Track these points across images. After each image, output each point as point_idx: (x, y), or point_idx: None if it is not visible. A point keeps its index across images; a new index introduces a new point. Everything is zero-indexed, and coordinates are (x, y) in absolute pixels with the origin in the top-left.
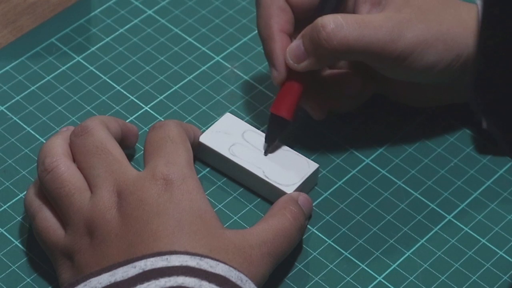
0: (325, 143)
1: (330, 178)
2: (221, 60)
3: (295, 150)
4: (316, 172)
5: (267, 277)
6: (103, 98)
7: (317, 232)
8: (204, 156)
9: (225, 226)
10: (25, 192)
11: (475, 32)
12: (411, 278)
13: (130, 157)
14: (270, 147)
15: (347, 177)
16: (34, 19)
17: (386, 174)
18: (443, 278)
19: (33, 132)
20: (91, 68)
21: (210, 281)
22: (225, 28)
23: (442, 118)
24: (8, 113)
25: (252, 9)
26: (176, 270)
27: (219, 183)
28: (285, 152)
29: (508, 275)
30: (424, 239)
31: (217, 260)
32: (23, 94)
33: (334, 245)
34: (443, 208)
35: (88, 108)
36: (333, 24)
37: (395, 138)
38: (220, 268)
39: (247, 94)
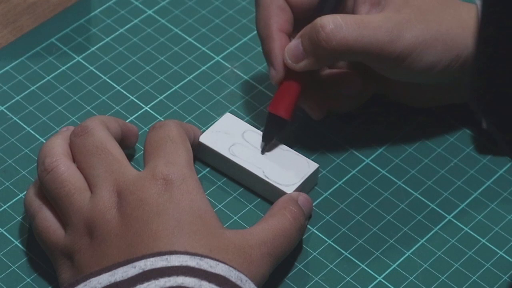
0: (325, 143)
1: (330, 178)
2: (221, 60)
3: (295, 150)
4: (316, 172)
5: (267, 277)
6: (103, 98)
7: (317, 232)
8: (204, 156)
9: (225, 226)
10: (25, 192)
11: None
12: (411, 278)
13: (130, 157)
14: (267, 146)
15: (347, 177)
16: (34, 19)
17: (386, 174)
18: (443, 278)
19: (33, 132)
20: (91, 68)
21: (210, 281)
22: (225, 28)
23: (442, 118)
24: (8, 113)
25: (252, 9)
26: (176, 270)
27: (219, 183)
28: (285, 152)
29: (508, 275)
30: (424, 239)
31: (217, 260)
32: (23, 94)
33: (334, 245)
34: (443, 208)
35: (88, 108)
36: (332, 24)
37: (395, 138)
38: (220, 268)
39: (247, 94)
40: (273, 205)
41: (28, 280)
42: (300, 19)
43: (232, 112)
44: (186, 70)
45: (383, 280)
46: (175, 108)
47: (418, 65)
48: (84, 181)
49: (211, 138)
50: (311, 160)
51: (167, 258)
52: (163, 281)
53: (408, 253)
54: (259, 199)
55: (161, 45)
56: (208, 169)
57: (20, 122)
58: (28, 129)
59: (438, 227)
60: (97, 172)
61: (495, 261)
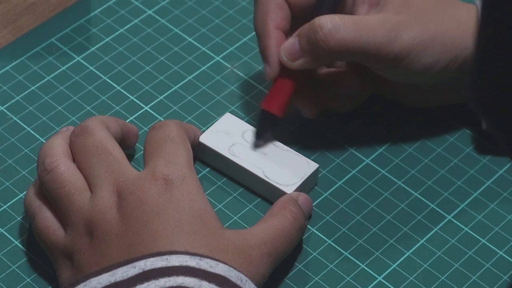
0: (325, 143)
1: (330, 178)
2: (221, 60)
3: (295, 150)
4: (316, 172)
5: (267, 277)
6: (103, 98)
7: (317, 232)
8: (204, 156)
9: (225, 226)
10: (25, 192)
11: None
12: (411, 278)
13: (130, 157)
14: (259, 142)
15: (347, 177)
16: (34, 19)
17: (386, 174)
18: (443, 278)
19: (33, 132)
20: (91, 68)
21: (210, 281)
22: (225, 28)
23: (442, 118)
24: (8, 113)
25: (252, 9)
26: (176, 270)
27: (219, 183)
28: (285, 152)
29: (508, 275)
30: (424, 239)
31: (217, 260)
32: (23, 94)
33: (334, 245)
34: (443, 208)
35: (88, 108)
36: (330, 25)
37: (395, 138)
38: (220, 268)
39: (247, 94)
40: (273, 205)
41: (28, 280)
42: (298, 17)
43: (232, 112)
44: (186, 70)
45: (383, 280)
46: (175, 108)
47: (416, 66)
48: (84, 181)
49: (211, 138)
50: (311, 160)
51: (167, 258)
52: (163, 281)
53: (408, 253)
54: (259, 199)
55: (161, 45)
56: (208, 169)
57: (20, 122)
58: (28, 129)
59: (438, 227)
60: (97, 172)
61: (495, 261)
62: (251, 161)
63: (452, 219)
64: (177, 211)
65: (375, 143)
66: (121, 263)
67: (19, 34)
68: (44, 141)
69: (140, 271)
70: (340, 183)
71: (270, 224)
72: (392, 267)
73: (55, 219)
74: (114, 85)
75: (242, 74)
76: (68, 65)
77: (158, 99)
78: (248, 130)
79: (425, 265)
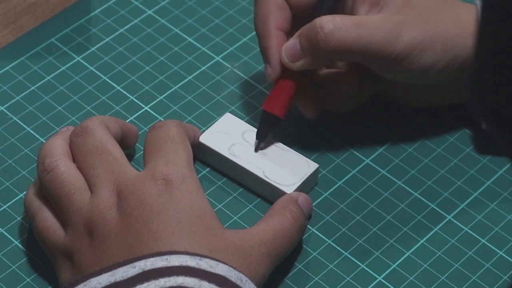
0: (325, 143)
1: (330, 178)
2: (221, 60)
3: (295, 150)
4: (316, 172)
5: (267, 277)
6: (103, 98)
7: (317, 232)
8: (204, 156)
9: (225, 226)
10: (25, 192)
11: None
12: (411, 278)
13: (130, 157)
14: (260, 143)
15: (347, 177)
16: (34, 19)
17: (386, 174)
18: (443, 278)
19: (33, 132)
20: (91, 68)
21: (210, 281)
22: (225, 28)
23: (442, 118)
24: (8, 113)
25: (252, 9)
26: (175, 270)
27: (219, 183)
28: (285, 152)
29: (508, 275)
30: (424, 239)
31: (217, 260)
32: (23, 94)
33: (334, 245)
34: (443, 208)
35: (88, 108)
36: (331, 25)
37: (395, 138)
38: (220, 268)
39: (247, 94)
40: (273, 205)
41: (28, 280)
42: (298, 18)
43: (232, 112)
44: (186, 70)
45: (383, 280)
46: (175, 108)
47: (416, 66)
48: (84, 181)
49: (211, 138)
50: (311, 160)
51: (167, 258)
52: (163, 281)
53: (408, 253)
54: (259, 199)
55: (161, 45)
56: (208, 169)
57: (20, 122)
58: (28, 129)
59: (438, 227)
60: (97, 172)
61: (495, 261)
62: (251, 161)
63: (452, 219)
64: (177, 211)
65: (375, 143)
66: (121, 263)
67: (19, 34)
68: (44, 141)
69: (140, 271)
70: (340, 183)
71: (270, 224)
72: (392, 267)
73: (55, 219)
74: (114, 85)
75: (242, 74)
76: (68, 65)
77: (158, 99)
78: (248, 130)
79: (425, 265)
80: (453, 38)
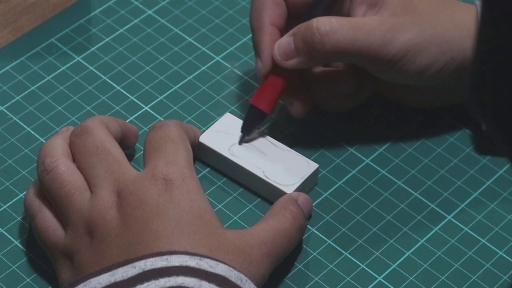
0: (325, 143)
1: (330, 178)
2: (221, 60)
3: (295, 150)
4: (316, 172)
5: (267, 277)
6: (103, 98)
7: (317, 232)
8: (204, 156)
9: (225, 226)
10: (25, 192)
11: (471, 34)
12: (411, 278)
13: (130, 157)
14: (245, 137)
15: (347, 177)
16: (34, 19)
17: (386, 174)
18: (443, 278)
19: (33, 132)
20: (91, 68)
21: (210, 281)
22: (225, 28)
23: (442, 118)
24: (8, 113)
25: None
26: (175, 270)
27: (219, 183)
28: (285, 152)
29: (508, 275)
30: (424, 239)
31: (217, 260)
32: (23, 94)
33: (334, 245)
34: (443, 208)
35: (88, 108)
36: (328, 27)
37: (395, 138)
38: (219, 268)
39: (247, 94)
40: (273, 205)
41: (28, 280)
42: (293, 15)
43: (232, 112)
44: (186, 70)
45: (383, 280)
46: (175, 108)
47: (411, 67)
48: (84, 181)
49: (211, 138)
50: (311, 160)
51: (167, 258)
52: (163, 281)
53: (408, 253)
54: (259, 199)
55: (161, 45)
56: (208, 169)
57: (20, 122)
58: (28, 129)
59: (438, 227)
60: (97, 172)
61: (495, 261)
62: (251, 161)
63: (452, 219)
64: (177, 211)
65: (375, 143)
66: (121, 263)
67: (19, 34)
68: (44, 141)
69: (140, 271)
70: (340, 183)
71: (270, 224)
72: (392, 267)
73: (55, 219)
74: (114, 85)
75: (242, 74)
76: (68, 65)
77: (158, 99)
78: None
79: (425, 265)
80: (449, 40)
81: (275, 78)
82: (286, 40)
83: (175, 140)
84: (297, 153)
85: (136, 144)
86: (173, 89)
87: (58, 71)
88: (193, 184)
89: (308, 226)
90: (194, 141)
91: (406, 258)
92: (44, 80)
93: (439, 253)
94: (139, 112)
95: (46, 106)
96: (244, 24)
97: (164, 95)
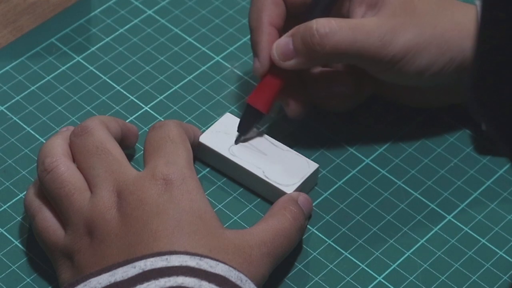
0: (325, 143)
1: (330, 178)
2: (221, 60)
3: (295, 150)
4: (316, 172)
5: (267, 277)
6: (103, 98)
7: (317, 232)
8: (204, 156)
9: (225, 226)
10: (25, 192)
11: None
12: (411, 278)
13: (130, 157)
14: (241, 137)
15: (347, 177)
16: (34, 19)
17: (386, 174)
18: (443, 278)
19: (33, 132)
20: (91, 68)
21: (210, 281)
22: (225, 28)
23: (442, 118)
24: (8, 113)
25: None
26: (175, 270)
27: (219, 183)
28: (285, 152)
29: (508, 275)
30: (424, 239)
31: (217, 260)
32: (23, 94)
33: (334, 245)
34: (443, 208)
35: (88, 108)
36: (327, 29)
37: (395, 138)
38: (220, 268)
39: (247, 94)
40: (273, 205)
41: (28, 280)
42: (292, 15)
43: (232, 112)
44: (186, 70)
45: (383, 280)
46: (175, 108)
47: (410, 68)
48: (84, 181)
49: (211, 138)
50: (311, 160)
51: (167, 258)
52: (163, 281)
53: (408, 253)
54: (259, 199)
55: (161, 45)
56: (208, 169)
57: (20, 122)
58: (28, 129)
59: (438, 227)
60: (97, 172)
61: (495, 261)
62: (251, 161)
63: (452, 219)
64: (177, 211)
65: (375, 143)
66: (121, 263)
67: (19, 34)
68: (44, 141)
69: (140, 271)
70: (340, 183)
71: (270, 224)
72: (392, 267)
73: (55, 219)
74: (114, 85)
75: (242, 74)
76: (68, 65)
77: (158, 99)
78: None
79: (425, 265)
80: (449, 41)
81: (273, 78)
82: (285, 40)
83: (175, 140)
84: (297, 153)
85: (136, 144)
86: (173, 89)
87: (58, 71)
88: (193, 184)
89: (308, 226)
90: (194, 141)
91: (406, 258)
92: (44, 80)
93: (439, 253)
94: (139, 112)
95: (46, 106)
96: (244, 24)
97: (164, 95)
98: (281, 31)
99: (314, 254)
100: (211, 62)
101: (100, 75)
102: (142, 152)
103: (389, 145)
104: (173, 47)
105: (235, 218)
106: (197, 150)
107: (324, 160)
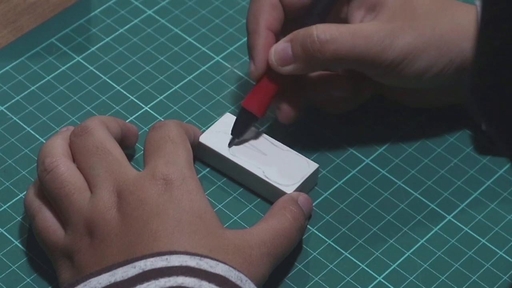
0: (325, 143)
1: (330, 178)
2: (221, 60)
3: (295, 150)
4: (316, 172)
5: (267, 277)
6: (103, 98)
7: (317, 232)
8: (204, 156)
9: (225, 226)
10: (25, 192)
11: (470, 36)
12: (411, 278)
13: (130, 157)
14: (235, 140)
15: (347, 177)
16: (34, 19)
17: (386, 174)
18: (443, 278)
19: (33, 132)
20: (91, 68)
21: (210, 281)
22: (225, 28)
23: (442, 118)
24: (8, 113)
25: None
26: (175, 270)
27: (219, 183)
28: (285, 152)
29: (508, 275)
30: (424, 239)
31: (217, 260)
32: (23, 94)
33: (334, 245)
34: (443, 208)
35: (88, 108)
36: (328, 35)
37: (395, 138)
38: (220, 268)
39: (247, 94)
40: (273, 205)
41: (28, 280)
42: (290, 19)
43: (232, 112)
44: (186, 70)
45: (383, 280)
46: (175, 108)
47: (410, 71)
48: (84, 181)
49: (211, 138)
50: (311, 160)
51: (167, 258)
52: (163, 281)
53: (408, 253)
54: (259, 199)
55: (161, 45)
56: (208, 169)
57: (20, 122)
58: (28, 129)
59: (438, 227)
60: (97, 172)
61: (495, 261)
62: (251, 161)
63: (452, 219)
64: (177, 211)
65: (375, 143)
66: (121, 263)
67: (19, 34)
68: (44, 141)
69: (140, 271)
70: (340, 183)
71: (270, 224)
72: (392, 267)
73: (55, 219)
74: (114, 85)
75: (242, 74)
76: (68, 65)
77: (158, 99)
78: (248, 130)
79: (425, 265)
80: (448, 42)
81: (268, 82)
82: (283, 45)
83: (175, 140)
84: (297, 153)
85: (136, 144)
86: (173, 89)
87: (58, 71)
88: (193, 184)
89: (308, 226)
90: (194, 141)
91: (406, 258)
92: (44, 80)
93: (439, 253)
94: (139, 112)
95: (46, 106)
96: (244, 24)
97: (164, 95)
98: (278, 35)
99: (314, 254)
100: (211, 62)
101: (100, 75)
102: (142, 152)
103: (389, 145)
104: (173, 47)
105: (235, 218)
106: (197, 150)
107: (324, 160)
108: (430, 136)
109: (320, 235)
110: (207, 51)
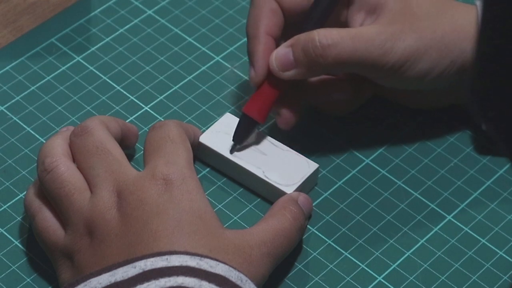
0: (325, 143)
1: (330, 178)
2: (221, 60)
3: (295, 150)
4: (316, 172)
5: (267, 277)
6: (103, 98)
7: (317, 232)
8: (204, 156)
9: (225, 226)
10: (25, 192)
11: (470, 36)
12: (411, 278)
13: (130, 157)
14: (237, 146)
15: (347, 177)
16: (34, 19)
17: (386, 174)
18: (443, 278)
19: (33, 132)
20: (91, 68)
21: (210, 281)
22: (225, 28)
23: (442, 118)
24: (8, 113)
25: None
26: (176, 270)
27: (219, 183)
28: (285, 152)
29: (508, 275)
30: (424, 239)
31: (217, 260)
32: (23, 94)
33: (334, 245)
34: (443, 208)
35: (88, 108)
36: (330, 40)
37: (395, 138)
38: (220, 268)
39: (247, 94)
40: (273, 205)
41: (28, 280)
42: (289, 24)
43: (232, 112)
44: (186, 70)
45: (383, 280)
46: (175, 108)
47: (412, 73)
48: (84, 181)
49: (211, 138)
50: (311, 160)
51: (167, 258)
52: (163, 281)
53: (408, 253)
54: (259, 199)
55: (161, 45)
56: (208, 169)
57: (20, 122)
58: (28, 129)
59: (438, 227)
60: (97, 172)
61: (495, 261)
62: (251, 161)
63: (452, 219)
64: (177, 211)
65: (375, 143)
66: (121, 263)
67: (19, 34)
68: (44, 141)
69: (140, 271)
70: (340, 183)
71: (270, 224)
72: (392, 267)
73: (55, 219)
74: (114, 85)
75: (242, 74)
76: (68, 65)
77: (158, 99)
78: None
79: (425, 265)
80: (449, 44)
81: (269, 87)
82: (284, 51)
83: (175, 140)
84: (297, 153)
85: (136, 144)
86: (173, 89)
87: (58, 71)
88: (193, 184)
89: (308, 226)
90: (194, 141)
91: (406, 258)
92: (44, 80)
93: (439, 253)
94: (139, 112)
95: (46, 106)
96: (244, 24)
97: (164, 95)
98: (278, 41)
99: (314, 254)
100: (211, 62)
101: (100, 75)
102: (142, 152)
103: (389, 145)
104: (173, 47)
105: (235, 218)
106: (197, 150)
107: (324, 160)
108: (430, 136)
109: (320, 235)
110: (207, 51)
